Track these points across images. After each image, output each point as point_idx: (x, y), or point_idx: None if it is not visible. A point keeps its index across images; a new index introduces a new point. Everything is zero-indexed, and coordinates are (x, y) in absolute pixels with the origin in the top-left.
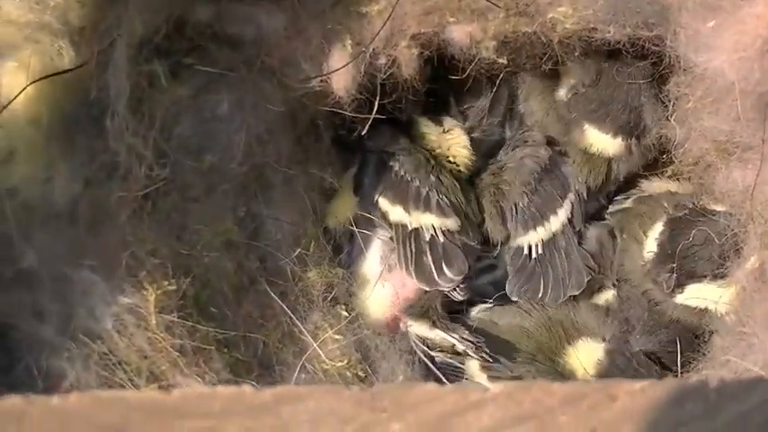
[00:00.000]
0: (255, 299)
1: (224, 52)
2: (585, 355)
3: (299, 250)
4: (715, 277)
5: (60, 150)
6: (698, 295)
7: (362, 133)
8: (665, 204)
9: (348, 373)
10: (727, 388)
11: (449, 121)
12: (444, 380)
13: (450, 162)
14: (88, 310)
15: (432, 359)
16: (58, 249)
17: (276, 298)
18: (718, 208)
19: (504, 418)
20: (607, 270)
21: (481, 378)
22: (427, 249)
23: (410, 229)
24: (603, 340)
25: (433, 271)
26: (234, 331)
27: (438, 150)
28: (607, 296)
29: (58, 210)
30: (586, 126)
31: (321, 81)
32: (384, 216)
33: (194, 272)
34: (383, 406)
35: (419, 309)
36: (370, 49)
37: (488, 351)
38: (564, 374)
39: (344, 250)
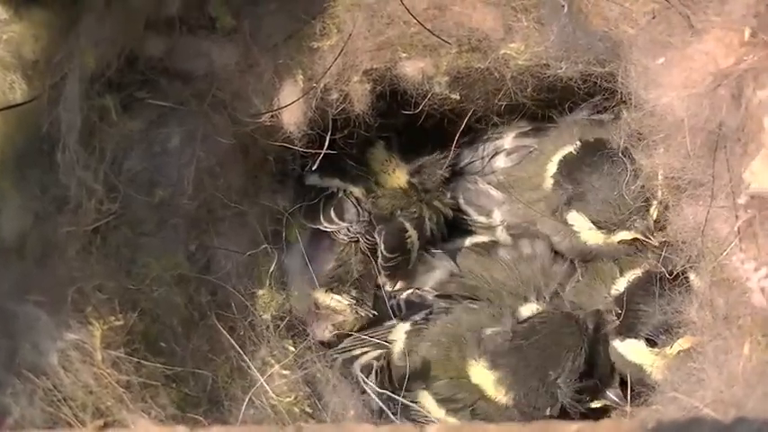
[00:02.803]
0: (205, 333)
1: (175, 86)
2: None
3: (248, 282)
4: (652, 343)
5: (11, 184)
6: (634, 352)
7: (313, 168)
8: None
9: (296, 409)
10: (664, 429)
11: (396, 160)
12: (389, 413)
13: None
14: (33, 345)
15: (378, 394)
16: (4, 284)
17: (225, 332)
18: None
19: None
20: (539, 285)
21: (439, 413)
22: (323, 201)
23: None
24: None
25: (320, 213)
26: (183, 366)
27: (378, 168)
28: (532, 308)
29: (6, 244)
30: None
31: (272, 116)
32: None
33: (143, 306)
34: None
35: (328, 279)
36: (322, 85)
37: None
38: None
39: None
